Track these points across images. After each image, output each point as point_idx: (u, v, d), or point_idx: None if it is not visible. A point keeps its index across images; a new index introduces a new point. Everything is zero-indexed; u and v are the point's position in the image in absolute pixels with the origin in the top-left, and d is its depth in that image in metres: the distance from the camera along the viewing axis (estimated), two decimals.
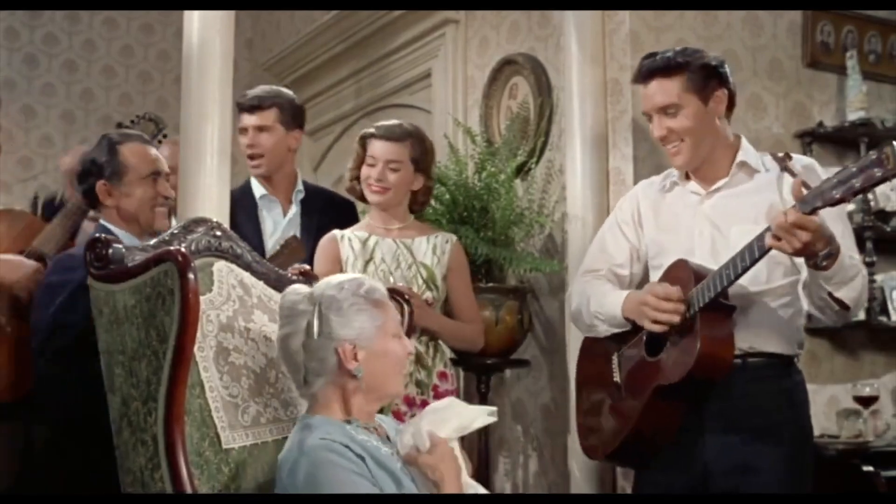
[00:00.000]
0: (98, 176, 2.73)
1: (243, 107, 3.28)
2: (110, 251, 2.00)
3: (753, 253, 2.25)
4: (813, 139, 3.81)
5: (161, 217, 2.77)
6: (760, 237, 2.24)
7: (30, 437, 2.79)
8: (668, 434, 2.49)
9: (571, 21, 3.50)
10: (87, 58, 5.98)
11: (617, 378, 2.60)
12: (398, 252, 3.02)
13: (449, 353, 3.10)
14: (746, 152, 2.58)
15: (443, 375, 2.99)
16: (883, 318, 3.84)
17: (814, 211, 2.13)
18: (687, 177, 2.63)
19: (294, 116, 3.32)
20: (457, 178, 3.62)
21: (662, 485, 2.53)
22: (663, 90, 2.53)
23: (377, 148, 3.01)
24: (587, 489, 3.32)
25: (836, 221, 2.33)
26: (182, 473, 1.84)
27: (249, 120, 3.26)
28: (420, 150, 3.04)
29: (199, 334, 1.95)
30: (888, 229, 3.84)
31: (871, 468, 3.21)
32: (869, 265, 3.81)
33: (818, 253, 2.19)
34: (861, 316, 3.82)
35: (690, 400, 2.46)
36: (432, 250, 3.05)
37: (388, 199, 3.02)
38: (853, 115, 3.80)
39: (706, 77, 2.53)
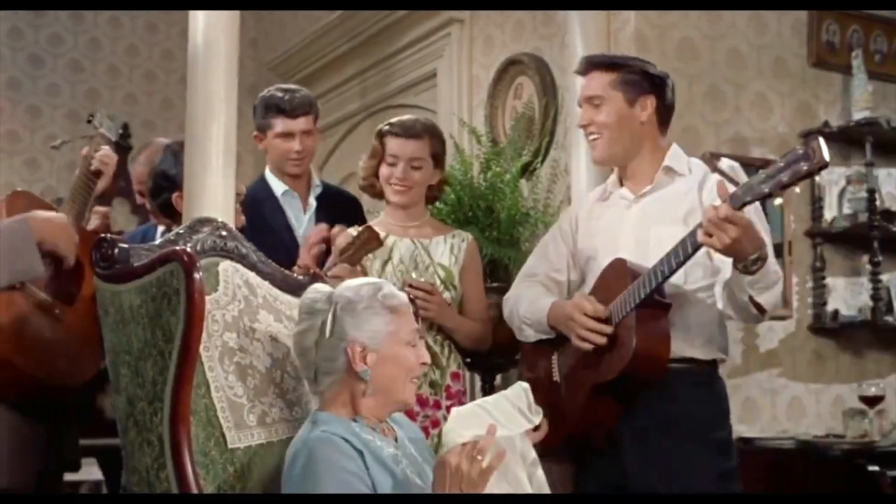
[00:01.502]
0: (172, 188, 2.86)
1: (293, 112, 3.24)
2: (116, 251, 2.00)
3: (687, 248, 2.26)
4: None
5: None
6: (692, 233, 2.24)
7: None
8: (605, 431, 2.47)
9: (576, 20, 3.49)
10: (92, 57, 5.98)
11: (556, 377, 2.59)
12: (416, 252, 3.00)
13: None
14: (674, 158, 2.59)
15: (455, 376, 2.97)
16: (889, 318, 3.84)
17: (743, 206, 2.14)
18: (621, 183, 2.65)
19: (317, 118, 3.37)
20: (462, 177, 3.62)
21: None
22: (595, 82, 2.59)
23: (398, 146, 2.97)
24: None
25: (756, 222, 2.28)
26: (188, 473, 1.84)
27: (299, 125, 3.25)
28: (439, 146, 3.05)
29: (204, 334, 1.94)
30: (894, 229, 3.84)
31: (876, 468, 3.20)
32: (874, 265, 3.81)
33: (748, 256, 2.20)
34: (867, 315, 3.82)
35: (627, 399, 2.44)
36: (450, 250, 3.03)
37: (412, 197, 3.01)
38: (858, 115, 3.80)
39: (641, 81, 2.56)
